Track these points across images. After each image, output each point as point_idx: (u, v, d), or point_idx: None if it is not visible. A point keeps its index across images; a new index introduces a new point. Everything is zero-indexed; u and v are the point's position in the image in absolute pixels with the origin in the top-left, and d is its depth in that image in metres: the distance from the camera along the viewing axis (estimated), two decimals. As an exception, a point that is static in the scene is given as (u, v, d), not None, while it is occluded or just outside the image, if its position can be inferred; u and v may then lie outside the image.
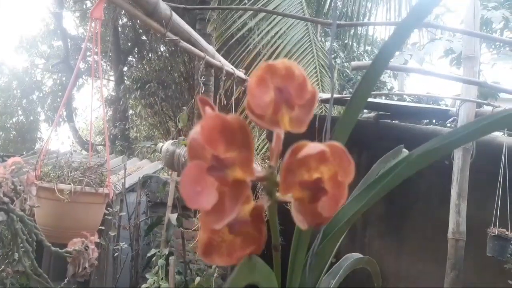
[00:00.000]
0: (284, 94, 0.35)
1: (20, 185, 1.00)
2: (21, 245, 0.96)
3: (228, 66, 2.24)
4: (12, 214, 0.91)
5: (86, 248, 1.01)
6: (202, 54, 1.96)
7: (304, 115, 0.36)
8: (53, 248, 1.00)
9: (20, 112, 9.35)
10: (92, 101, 1.62)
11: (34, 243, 1.01)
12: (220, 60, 2.17)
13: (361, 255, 0.75)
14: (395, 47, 0.51)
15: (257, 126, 0.36)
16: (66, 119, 8.07)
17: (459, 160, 2.09)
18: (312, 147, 0.31)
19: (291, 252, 0.58)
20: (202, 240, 0.34)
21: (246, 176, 0.31)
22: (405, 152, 0.66)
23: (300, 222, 0.34)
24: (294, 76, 0.35)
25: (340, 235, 0.64)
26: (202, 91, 2.13)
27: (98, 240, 1.08)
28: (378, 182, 0.53)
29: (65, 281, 1.05)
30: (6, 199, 0.89)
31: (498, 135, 2.79)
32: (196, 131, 0.31)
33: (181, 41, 1.77)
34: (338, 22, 1.22)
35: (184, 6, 1.71)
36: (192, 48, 1.89)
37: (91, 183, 1.34)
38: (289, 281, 0.57)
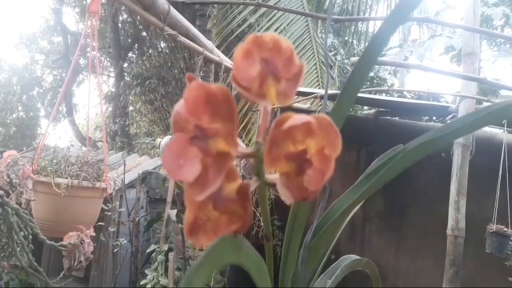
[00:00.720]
0: (270, 66, 0.34)
1: (16, 179, 1.00)
2: (16, 238, 0.96)
3: (227, 62, 2.23)
4: (7, 207, 0.90)
5: (82, 242, 1.01)
6: (200, 49, 1.95)
7: (290, 89, 0.35)
8: (48, 242, 1.00)
9: (20, 108, 9.35)
10: (89, 96, 1.61)
11: (30, 236, 1.00)
12: (219, 55, 2.17)
13: (359, 257, 0.74)
14: (385, 40, 0.50)
15: (243, 98, 0.35)
16: (66, 114, 8.07)
17: (459, 157, 2.08)
18: (297, 118, 0.31)
19: (284, 245, 0.57)
20: (188, 219, 0.33)
21: (230, 148, 0.31)
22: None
23: (286, 196, 0.33)
24: (281, 49, 0.35)
25: (336, 229, 0.63)
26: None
27: (94, 234, 1.08)
28: (373, 175, 0.52)
29: (61, 275, 1.05)
30: (1, 192, 0.89)
31: (498, 132, 2.78)
32: (179, 104, 0.30)
33: (179, 35, 1.77)
34: (334, 16, 1.21)
35: (182, 0, 1.71)
36: (191, 43, 1.89)
37: (88, 177, 1.34)
38: (281, 274, 0.57)
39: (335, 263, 0.71)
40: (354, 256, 0.75)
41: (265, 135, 0.35)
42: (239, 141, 0.33)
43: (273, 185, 0.36)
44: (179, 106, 0.30)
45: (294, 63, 0.35)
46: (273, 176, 0.35)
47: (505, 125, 2.44)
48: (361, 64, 0.50)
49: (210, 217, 0.33)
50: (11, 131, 9.25)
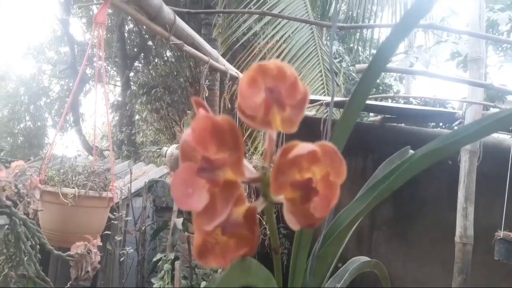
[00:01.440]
0: (275, 94, 0.34)
1: (23, 189, 1.00)
2: (24, 248, 0.96)
3: (232, 70, 2.24)
4: (15, 218, 0.91)
5: (89, 251, 1.01)
6: (206, 58, 1.96)
7: (295, 116, 0.35)
8: (55, 252, 1.00)
9: (27, 118, 9.43)
10: (96, 105, 1.62)
11: (37, 246, 1.01)
12: (224, 64, 2.17)
13: (368, 258, 0.74)
14: (393, 48, 0.50)
15: (248, 126, 0.36)
16: (73, 124, 8.12)
17: (466, 163, 2.06)
18: (302, 147, 0.31)
19: (292, 255, 0.57)
20: (196, 242, 0.34)
21: (237, 176, 0.31)
22: (411, 153, 0.65)
23: (292, 223, 0.34)
24: (286, 76, 0.35)
25: (343, 238, 0.63)
26: (207, 95, 2.13)
27: (101, 244, 1.08)
28: (381, 183, 0.52)
29: (68, 285, 1.05)
30: (8, 203, 0.90)
31: (506, 138, 2.76)
32: (187, 133, 0.31)
33: (185, 45, 1.78)
34: (339, 24, 1.21)
35: (187, 10, 1.72)
36: (196, 52, 1.90)
37: (95, 187, 1.34)
38: (290, 285, 0.57)
39: (343, 266, 0.71)
40: (363, 258, 0.74)
41: (271, 161, 0.36)
42: (246, 163, 0.33)
43: (280, 204, 0.36)
44: (187, 135, 0.31)
45: (299, 90, 0.36)
46: (280, 197, 0.35)
47: (513, 131, 2.42)
48: (369, 72, 0.50)
49: (219, 241, 0.34)
50: (19, 140, 9.32)
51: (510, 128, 2.31)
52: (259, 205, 0.36)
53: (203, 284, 2.82)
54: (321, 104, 2.70)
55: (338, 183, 0.33)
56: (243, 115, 0.34)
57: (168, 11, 1.69)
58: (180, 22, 1.77)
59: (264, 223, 2.56)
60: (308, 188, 0.32)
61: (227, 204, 0.31)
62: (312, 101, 2.68)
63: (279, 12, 3.46)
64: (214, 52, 2.13)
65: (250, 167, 0.35)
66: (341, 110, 3.34)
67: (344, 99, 3.06)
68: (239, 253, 0.34)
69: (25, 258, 1.03)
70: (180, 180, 0.30)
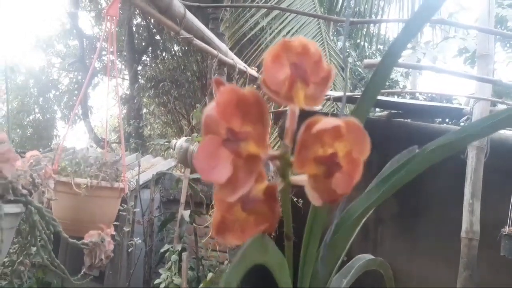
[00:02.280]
0: (299, 70, 0.35)
1: (38, 178, 1.03)
2: (39, 237, 0.99)
3: (240, 64, 2.25)
4: (31, 206, 0.93)
5: (102, 240, 1.03)
6: (215, 52, 1.97)
7: (319, 93, 0.36)
8: (70, 240, 1.03)
9: (37, 110, 9.50)
10: (108, 99, 1.64)
11: (52, 235, 1.03)
12: (232, 58, 2.19)
13: (373, 257, 0.75)
14: (405, 43, 0.51)
15: (272, 101, 0.36)
16: (81, 117, 8.18)
17: (473, 159, 2.06)
18: (327, 122, 0.31)
19: (303, 244, 0.58)
20: (215, 219, 0.34)
21: (260, 151, 0.32)
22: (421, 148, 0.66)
23: (315, 199, 0.34)
24: (310, 54, 0.36)
25: (353, 230, 0.64)
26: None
27: (114, 233, 1.10)
28: (390, 177, 0.53)
29: (82, 272, 1.08)
30: (24, 191, 0.92)
31: (513, 134, 2.75)
32: (211, 107, 0.31)
33: (195, 39, 1.79)
34: (351, 19, 1.22)
35: (197, 4, 1.73)
36: (206, 46, 1.91)
37: (107, 178, 1.37)
38: (301, 273, 0.58)
39: (349, 263, 0.72)
40: (369, 256, 0.76)
41: (292, 138, 0.36)
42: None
43: (297, 187, 0.37)
44: (211, 109, 0.31)
45: (323, 67, 0.36)
46: (297, 177, 0.36)
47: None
48: (381, 67, 0.51)
49: (238, 217, 0.34)
50: (28, 132, 9.40)
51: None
52: (278, 185, 0.36)
53: (210, 275, 2.85)
54: (328, 99, 2.70)
55: (362, 160, 0.33)
56: (267, 90, 0.34)
57: (178, 5, 1.70)
58: (190, 16, 1.78)
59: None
60: (331, 163, 0.32)
61: (250, 176, 0.31)
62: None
63: (286, 7, 3.46)
64: (223, 46, 2.14)
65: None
66: (347, 105, 3.34)
67: (350, 94, 3.06)
68: (259, 229, 0.35)
69: (40, 247, 1.06)
70: (204, 152, 0.30)
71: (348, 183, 0.33)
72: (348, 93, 2.85)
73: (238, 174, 0.31)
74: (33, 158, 1.11)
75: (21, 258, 1.08)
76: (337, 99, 3.10)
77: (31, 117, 9.46)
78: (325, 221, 0.57)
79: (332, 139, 0.32)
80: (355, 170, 0.32)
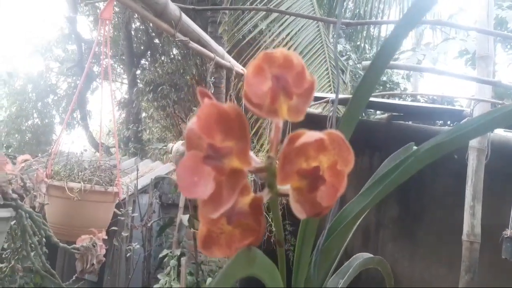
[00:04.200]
0: (281, 82, 0.34)
1: (29, 183, 1.01)
2: (30, 241, 0.97)
3: (238, 67, 2.24)
4: (21, 211, 0.91)
5: (94, 244, 1.01)
6: (211, 55, 1.96)
7: (302, 104, 0.35)
8: (61, 244, 1.01)
9: (35, 115, 9.50)
10: (102, 103, 1.63)
11: (43, 239, 1.01)
12: (230, 61, 2.17)
13: (371, 255, 0.74)
14: (396, 44, 0.50)
15: (255, 115, 0.35)
16: (80, 121, 8.18)
17: (474, 161, 2.04)
18: (310, 135, 0.31)
19: (296, 249, 0.57)
20: (201, 232, 0.34)
21: (243, 165, 0.31)
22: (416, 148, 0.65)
23: (299, 212, 0.33)
24: (293, 65, 0.35)
25: (348, 232, 0.63)
26: (212, 92, 2.13)
27: (106, 237, 1.08)
28: (385, 177, 0.52)
29: (73, 277, 1.06)
30: (15, 196, 0.90)
31: (514, 136, 2.73)
32: (193, 121, 0.31)
33: (191, 41, 1.78)
34: (345, 20, 1.21)
35: (193, 6, 1.72)
36: (202, 49, 1.90)
37: (101, 181, 1.35)
38: (294, 278, 0.56)
39: (347, 262, 0.70)
40: (366, 255, 0.74)
41: (277, 150, 0.35)
42: (251, 154, 0.33)
43: (285, 196, 0.36)
44: (192, 124, 0.31)
45: (306, 79, 0.35)
46: (285, 187, 0.35)
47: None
48: (373, 68, 0.50)
49: (224, 231, 0.34)
50: (27, 137, 9.40)
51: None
52: (265, 196, 0.35)
53: (209, 280, 2.83)
54: (327, 102, 2.69)
55: (346, 172, 0.32)
56: (249, 104, 0.34)
57: (173, 8, 1.69)
58: (185, 19, 1.76)
59: (270, 220, 2.56)
60: (315, 176, 0.32)
61: (233, 192, 0.31)
62: (318, 98, 2.67)
63: (285, 10, 3.45)
64: (220, 49, 2.13)
65: (255, 158, 0.35)
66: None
67: (349, 96, 3.05)
68: (244, 243, 0.34)
69: (32, 252, 1.04)
70: (186, 168, 0.30)
71: (333, 195, 0.32)
72: (347, 96, 2.83)
73: (220, 190, 0.31)
74: (24, 162, 1.09)
75: (12, 262, 1.06)
76: (339, 102, 3.09)
77: (29, 122, 9.46)
78: (318, 225, 0.55)
79: (316, 152, 0.32)
80: (339, 182, 0.32)
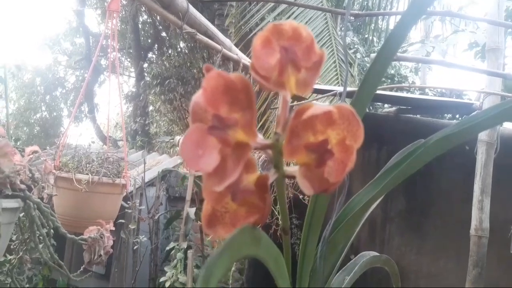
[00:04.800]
0: (290, 54, 0.33)
1: (37, 174, 1.01)
2: (38, 232, 0.97)
3: (245, 60, 2.23)
4: (29, 201, 0.92)
5: (101, 236, 1.02)
6: (218, 47, 1.95)
7: (310, 78, 0.34)
8: (68, 235, 1.02)
9: (43, 108, 9.57)
10: (110, 95, 1.63)
11: (51, 230, 1.02)
12: (237, 53, 2.16)
13: (378, 254, 0.73)
14: (402, 36, 0.50)
15: (262, 88, 0.34)
16: (88, 114, 8.22)
17: (483, 155, 2.02)
18: (318, 108, 0.30)
19: (302, 239, 0.56)
20: (206, 211, 0.33)
21: (249, 138, 0.30)
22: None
23: (306, 188, 0.32)
24: (301, 38, 0.34)
25: (355, 224, 0.62)
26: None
27: (113, 228, 1.09)
28: (394, 169, 0.51)
29: (81, 268, 1.06)
30: (23, 186, 0.91)
31: (524, 130, 2.70)
32: (198, 94, 0.30)
33: (198, 33, 1.77)
34: (353, 11, 1.19)
35: (201, -2, 1.71)
36: (209, 40, 1.89)
37: (109, 173, 1.35)
38: (300, 269, 0.56)
39: (353, 259, 0.69)
40: (373, 253, 0.73)
41: (284, 126, 0.34)
42: (257, 132, 0.32)
43: (291, 177, 0.35)
44: (197, 96, 0.30)
45: (314, 52, 0.34)
46: (292, 168, 0.34)
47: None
48: (379, 59, 0.50)
49: (228, 209, 0.33)
50: (35, 130, 9.48)
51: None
52: (271, 175, 0.34)
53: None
54: (334, 95, 2.67)
55: (355, 147, 0.31)
56: (256, 75, 0.33)
57: (181, 0, 1.68)
58: (193, 11, 1.76)
59: (277, 213, 2.56)
60: (323, 150, 0.31)
61: (238, 164, 0.30)
62: (326, 91, 2.66)
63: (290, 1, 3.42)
64: (227, 41, 2.12)
65: (261, 136, 0.34)
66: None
67: (354, 89, 3.03)
68: (248, 220, 0.33)
69: (40, 243, 1.05)
70: (190, 141, 0.29)
71: (341, 171, 0.31)
72: (355, 88, 2.81)
73: (225, 163, 0.30)
74: (32, 153, 1.10)
75: (21, 253, 1.07)
76: (347, 95, 3.06)
77: (38, 115, 9.53)
78: (325, 214, 0.55)
79: (324, 126, 0.30)
80: (348, 157, 0.31)
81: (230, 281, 2.89)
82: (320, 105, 0.30)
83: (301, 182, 0.32)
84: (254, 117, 0.30)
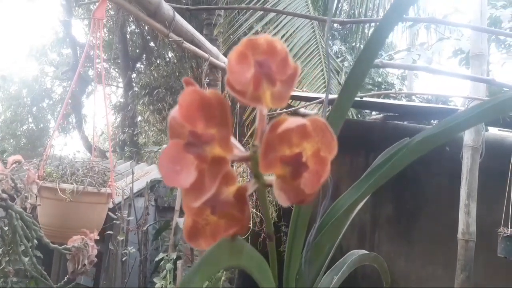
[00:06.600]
0: (265, 68, 0.33)
1: (21, 183, 1.00)
2: (20, 242, 0.95)
3: (232, 68, 2.23)
4: (11, 211, 0.90)
5: (86, 245, 1.00)
6: (206, 55, 1.96)
7: (285, 91, 0.34)
8: (52, 245, 1.00)
9: (30, 120, 9.47)
10: (95, 103, 1.61)
11: (35, 240, 1.00)
12: (224, 62, 2.17)
13: (366, 252, 0.73)
14: (379, 43, 0.51)
15: (238, 102, 0.35)
16: (75, 125, 8.15)
17: (468, 160, 2.05)
18: (292, 121, 0.30)
19: (287, 244, 0.56)
20: (187, 224, 0.34)
21: (225, 153, 0.31)
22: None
23: (283, 199, 0.33)
24: (276, 51, 0.34)
25: (340, 226, 0.62)
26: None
27: (98, 238, 1.07)
28: (378, 170, 0.51)
29: (65, 278, 1.04)
30: (4, 196, 0.89)
31: (508, 135, 2.74)
32: (175, 109, 0.30)
33: (184, 41, 1.77)
34: (339, 19, 1.21)
35: (186, 6, 1.71)
36: (196, 49, 1.89)
37: (94, 183, 1.34)
38: (286, 272, 0.56)
39: (342, 259, 0.69)
40: (361, 251, 0.73)
41: (261, 139, 0.35)
42: (236, 144, 0.33)
43: (271, 186, 0.35)
44: (174, 112, 0.30)
45: (289, 65, 0.35)
46: (271, 177, 0.35)
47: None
48: (359, 64, 0.50)
49: (209, 221, 0.33)
50: (22, 142, 9.36)
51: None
52: (251, 186, 0.35)
53: (206, 283, 2.81)
54: (321, 102, 2.68)
55: (329, 159, 0.32)
56: (232, 91, 0.33)
57: (167, 8, 1.68)
58: (179, 19, 1.76)
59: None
60: (297, 163, 0.31)
61: (215, 180, 0.30)
62: (313, 99, 2.67)
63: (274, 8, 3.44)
64: (214, 49, 2.12)
65: (240, 147, 0.35)
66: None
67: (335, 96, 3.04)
68: (229, 232, 0.34)
69: (24, 254, 1.02)
70: (168, 157, 0.30)
71: (316, 182, 0.32)
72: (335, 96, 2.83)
73: (203, 179, 0.30)
74: (15, 163, 1.08)
75: (3, 264, 1.05)
76: (332, 102, 3.08)
77: (24, 127, 9.42)
78: (309, 220, 0.55)
79: (298, 139, 0.31)
80: (323, 169, 0.32)
81: (220, 291, 2.86)
82: (294, 119, 0.31)
83: (277, 194, 0.33)
84: (229, 132, 0.30)
